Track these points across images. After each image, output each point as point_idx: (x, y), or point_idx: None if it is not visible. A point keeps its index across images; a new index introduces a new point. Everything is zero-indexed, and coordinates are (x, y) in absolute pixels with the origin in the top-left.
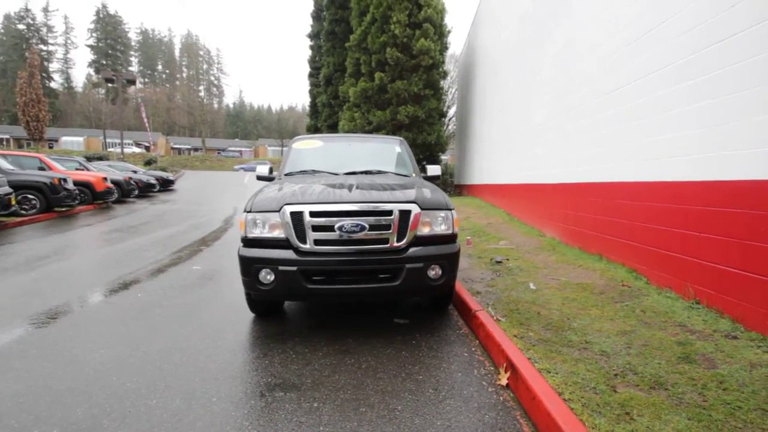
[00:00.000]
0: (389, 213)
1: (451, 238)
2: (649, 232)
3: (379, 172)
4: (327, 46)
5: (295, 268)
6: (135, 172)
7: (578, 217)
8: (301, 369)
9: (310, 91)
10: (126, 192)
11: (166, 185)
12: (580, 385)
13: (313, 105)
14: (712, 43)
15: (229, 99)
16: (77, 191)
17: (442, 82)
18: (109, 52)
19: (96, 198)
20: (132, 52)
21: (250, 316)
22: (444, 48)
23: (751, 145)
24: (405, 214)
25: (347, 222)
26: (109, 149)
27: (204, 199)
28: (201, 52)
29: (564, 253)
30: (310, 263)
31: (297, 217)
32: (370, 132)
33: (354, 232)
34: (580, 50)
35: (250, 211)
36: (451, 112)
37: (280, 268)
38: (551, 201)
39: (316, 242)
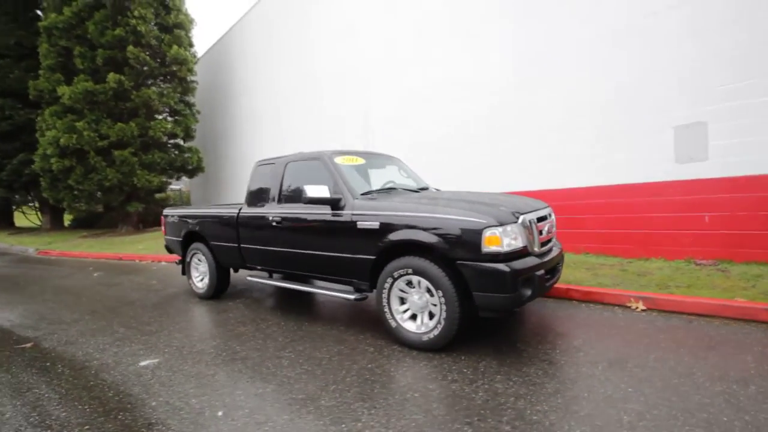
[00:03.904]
0: (551, 215)
1: None
2: None
3: (427, 188)
4: None
5: (543, 272)
6: None
7: None
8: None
9: None
10: None
11: None
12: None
13: None
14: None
15: None
16: None
17: (192, 98)
18: None
19: None
20: None
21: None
22: (195, 61)
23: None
24: (551, 214)
25: (548, 224)
26: None
27: None
28: None
29: None
30: (545, 264)
31: (530, 224)
32: (107, 148)
33: (550, 231)
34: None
35: (500, 225)
36: None
37: (538, 273)
38: None
39: (541, 245)
